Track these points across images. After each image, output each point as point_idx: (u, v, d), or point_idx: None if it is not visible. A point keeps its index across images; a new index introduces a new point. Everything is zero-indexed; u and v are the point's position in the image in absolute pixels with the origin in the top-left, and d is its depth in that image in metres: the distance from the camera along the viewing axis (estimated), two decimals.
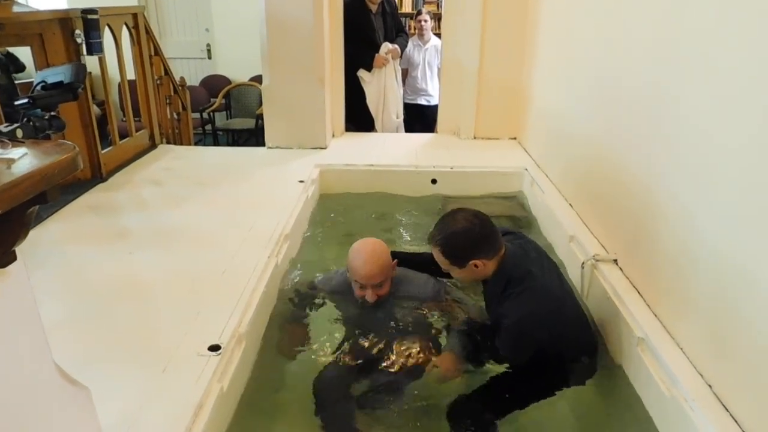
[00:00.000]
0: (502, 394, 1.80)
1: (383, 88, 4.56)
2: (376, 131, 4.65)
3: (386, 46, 4.48)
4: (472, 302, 2.06)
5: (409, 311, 1.97)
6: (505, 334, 1.74)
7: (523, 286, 1.73)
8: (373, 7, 4.47)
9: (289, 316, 2.12)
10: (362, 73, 4.48)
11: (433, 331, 1.97)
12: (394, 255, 2.00)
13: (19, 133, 0.92)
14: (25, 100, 1.08)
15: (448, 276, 1.97)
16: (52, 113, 1.08)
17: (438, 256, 1.78)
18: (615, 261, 2.21)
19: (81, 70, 1.22)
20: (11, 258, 0.78)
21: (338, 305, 2.09)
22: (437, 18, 5.56)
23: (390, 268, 1.90)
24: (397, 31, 4.72)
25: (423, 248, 2.37)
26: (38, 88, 1.18)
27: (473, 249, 1.72)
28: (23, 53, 2.91)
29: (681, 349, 1.70)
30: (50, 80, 1.17)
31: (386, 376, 1.82)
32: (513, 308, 1.72)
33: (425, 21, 4.85)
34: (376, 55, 4.45)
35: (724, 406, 1.47)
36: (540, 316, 1.71)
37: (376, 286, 1.85)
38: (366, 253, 1.85)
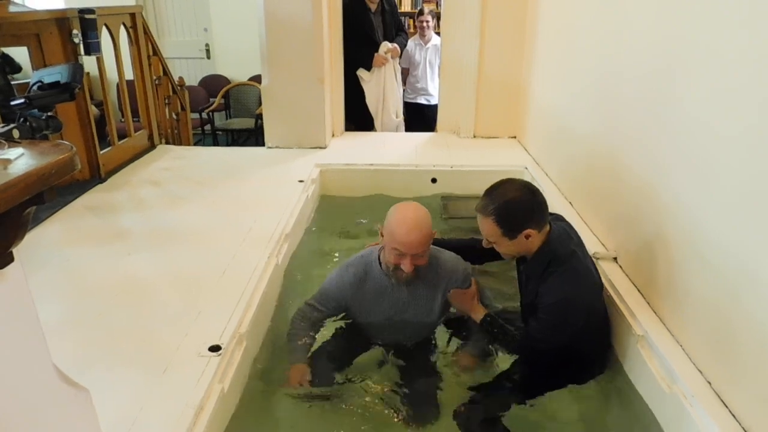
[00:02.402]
0: (528, 381, 1.82)
1: (383, 87, 4.55)
2: (375, 130, 4.65)
3: (386, 45, 4.47)
4: (489, 292, 2.05)
5: (437, 296, 1.89)
6: (546, 314, 1.70)
7: (568, 265, 1.70)
8: (372, 6, 4.46)
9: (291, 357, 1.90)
10: (361, 72, 4.47)
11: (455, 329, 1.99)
12: None
13: (16, 133, 0.91)
14: (22, 101, 1.07)
15: (476, 261, 1.97)
16: (49, 113, 1.08)
17: (489, 227, 1.71)
18: (615, 259, 2.21)
19: (78, 70, 1.22)
20: (8, 259, 0.77)
21: (360, 300, 1.91)
22: (437, 16, 5.55)
23: (432, 237, 1.78)
24: (397, 29, 4.71)
25: None
26: (35, 88, 1.17)
27: (528, 217, 1.67)
28: (20, 54, 2.90)
29: (680, 346, 1.69)
30: (47, 80, 1.17)
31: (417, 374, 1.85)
32: (557, 286, 1.68)
33: (427, 21, 4.84)
34: (376, 54, 4.44)
35: (723, 402, 1.47)
36: (582, 298, 1.69)
37: (416, 255, 1.73)
38: (411, 220, 1.71)
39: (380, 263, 1.86)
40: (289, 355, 1.90)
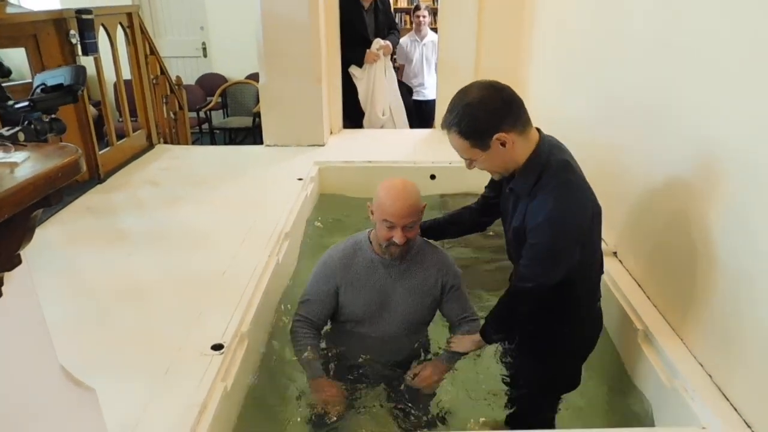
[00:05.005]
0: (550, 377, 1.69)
1: (372, 84, 4.56)
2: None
3: (378, 42, 4.47)
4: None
5: (429, 285, 1.83)
6: (534, 237, 1.45)
7: (561, 177, 1.44)
8: (365, 4, 4.46)
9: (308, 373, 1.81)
10: (353, 70, 4.48)
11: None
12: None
13: (21, 136, 0.92)
14: (26, 103, 1.08)
15: (472, 230, 1.90)
16: (53, 116, 1.08)
17: (457, 142, 1.48)
18: (615, 253, 2.22)
19: (81, 73, 1.22)
20: (16, 262, 0.78)
21: (352, 283, 1.83)
22: (433, 12, 5.55)
23: (422, 210, 1.75)
24: (389, 27, 4.72)
25: None
26: (38, 90, 1.17)
27: (495, 119, 1.42)
28: (17, 55, 2.89)
29: (681, 339, 1.71)
30: (50, 83, 1.17)
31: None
32: (544, 202, 1.42)
33: (424, 17, 4.84)
34: (367, 50, 4.44)
35: (724, 395, 1.48)
36: (574, 217, 1.42)
37: (406, 227, 1.69)
38: (399, 190, 1.68)
39: (370, 242, 1.85)
40: (307, 371, 1.80)
